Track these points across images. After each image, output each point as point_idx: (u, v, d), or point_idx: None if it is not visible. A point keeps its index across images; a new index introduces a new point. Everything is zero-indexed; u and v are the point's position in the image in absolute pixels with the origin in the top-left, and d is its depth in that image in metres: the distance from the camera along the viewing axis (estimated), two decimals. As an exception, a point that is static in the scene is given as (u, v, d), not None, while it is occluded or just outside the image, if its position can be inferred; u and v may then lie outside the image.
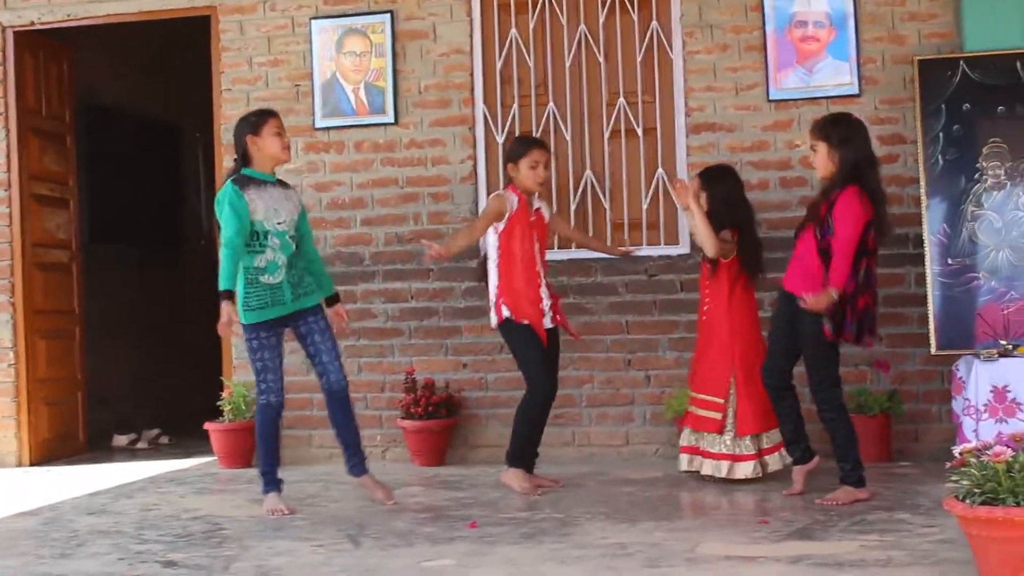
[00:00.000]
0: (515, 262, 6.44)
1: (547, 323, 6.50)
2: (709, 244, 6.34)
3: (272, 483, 6.12)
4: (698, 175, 6.62)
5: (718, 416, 6.42)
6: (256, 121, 6.06)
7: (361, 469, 6.20)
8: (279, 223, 5.97)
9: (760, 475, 6.39)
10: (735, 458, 6.39)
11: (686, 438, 6.61)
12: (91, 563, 5.05)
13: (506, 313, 6.43)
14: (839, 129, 5.86)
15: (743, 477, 6.38)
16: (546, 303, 6.50)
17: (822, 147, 5.83)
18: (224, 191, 5.93)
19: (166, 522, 5.93)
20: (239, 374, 7.83)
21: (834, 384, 5.88)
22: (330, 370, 6.07)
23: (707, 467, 6.48)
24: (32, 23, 8.35)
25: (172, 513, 6.18)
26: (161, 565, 4.96)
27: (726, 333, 6.43)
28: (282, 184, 6.15)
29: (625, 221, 7.62)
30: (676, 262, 7.37)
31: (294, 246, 6.02)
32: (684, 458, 6.61)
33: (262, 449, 6.14)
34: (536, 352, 6.41)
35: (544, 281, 6.53)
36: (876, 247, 5.87)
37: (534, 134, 7.62)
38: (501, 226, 6.46)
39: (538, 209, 6.60)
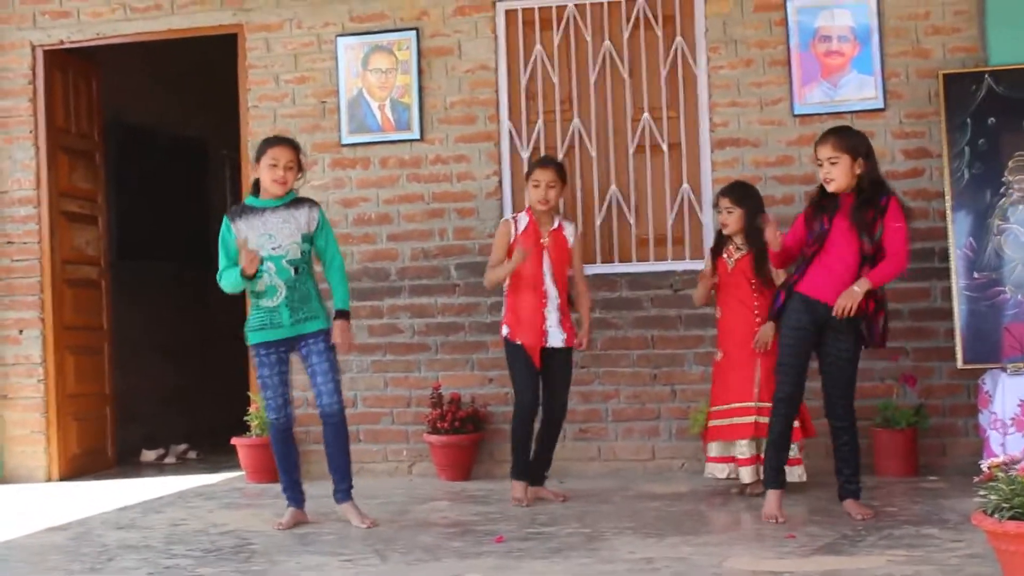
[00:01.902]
0: (521, 284, 6.54)
1: (556, 343, 6.53)
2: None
3: (289, 499, 6.22)
4: (727, 195, 6.58)
5: (751, 420, 6.40)
6: (259, 150, 6.16)
7: (342, 497, 6.17)
8: (274, 248, 6.00)
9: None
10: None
11: (716, 449, 6.57)
12: (121, 578, 5.09)
13: (504, 332, 6.57)
14: (861, 142, 5.76)
15: (796, 482, 6.36)
16: (553, 326, 6.52)
17: (846, 160, 5.67)
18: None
19: (195, 537, 5.96)
20: (266, 389, 7.88)
21: (854, 391, 5.85)
22: (322, 392, 6.06)
23: (745, 475, 6.46)
24: (61, 42, 8.42)
25: (201, 528, 6.21)
26: (190, 580, 5.00)
27: (751, 337, 6.42)
28: (296, 204, 6.09)
29: (650, 236, 7.64)
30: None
31: (292, 271, 6.02)
32: (718, 467, 6.57)
33: (277, 466, 6.29)
34: (523, 371, 6.50)
35: (556, 303, 6.54)
36: None
37: (559, 150, 7.67)
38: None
39: (556, 231, 6.61)
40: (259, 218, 6.03)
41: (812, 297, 5.72)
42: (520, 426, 6.54)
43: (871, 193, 5.69)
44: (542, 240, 6.55)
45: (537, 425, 6.63)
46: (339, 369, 6.14)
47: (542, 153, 7.66)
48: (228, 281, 6.04)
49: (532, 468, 6.66)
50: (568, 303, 6.64)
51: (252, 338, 6.10)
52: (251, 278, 5.96)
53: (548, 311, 6.52)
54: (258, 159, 6.11)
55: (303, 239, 6.05)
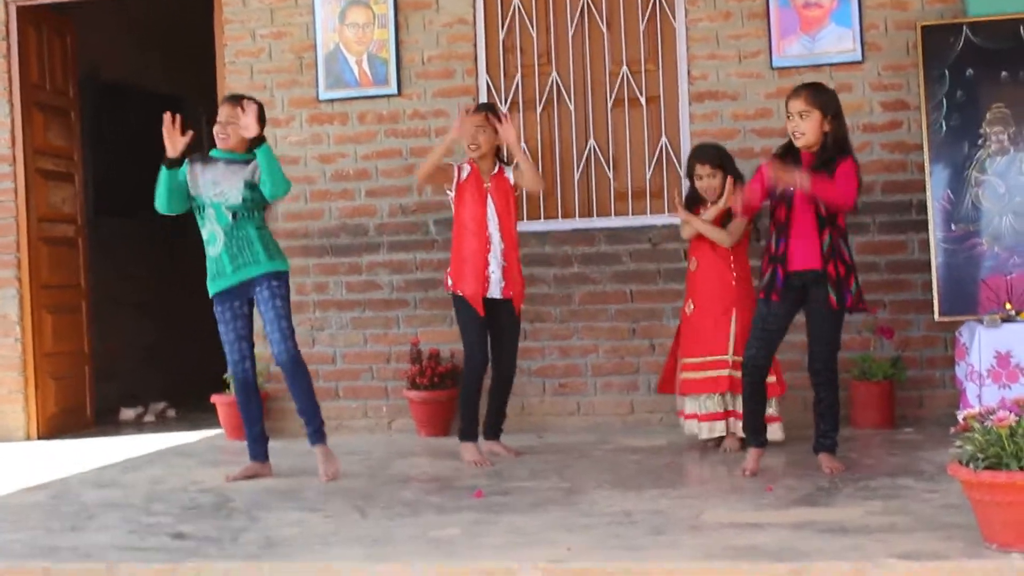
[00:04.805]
0: (464, 231, 6.52)
1: (495, 293, 6.48)
2: (725, 238, 6.39)
3: (250, 451, 6.35)
4: (705, 161, 6.54)
5: (726, 374, 6.41)
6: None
7: (314, 439, 6.23)
8: (216, 194, 6.14)
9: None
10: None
11: (713, 403, 6.49)
12: (101, 536, 5.08)
13: (448, 283, 6.57)
14: (832, 100, 5.70)
15: (774, 440, 6.32)
16: (495, 273, 6.49)
17: (816, 115, 5.61)
18: None
19: (175, 494, 5.96)
20: (245, 346, 7.87)
21: (838, 350, 5.85)
22: (271, 340, 6.15)
23: (704, 430, 6.47)
24: (34, -3, 8.35)
25: (180, 485, 6.22)
26: (171, 537, 4.99)
27: (727, 290, 6.44)
28: (248, 162, 6.15)
29: (629, 190, 7.63)
30: (679, 231, 7.36)
31: (230, 216, 6.12)
32: (706, 426, 6.53)
33: None
34: (470, 324, 6.47)
35: (499, 249, 6.50)
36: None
37: (537, 104, 7.66)
38: (452, 194, 6.57)
39: (497, 175, 6.55)
40: (212, 166, 6.20)
41: (795, 270, 5.69)
42: (470, 384, 6.51)
43: (830, 154, 5.64)
44: (484, 185, 6.52)
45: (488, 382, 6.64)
46: (286, 314, 6.15)
47: (520, 107, 7.65)
48: (159, 184, 6.15)
49: (486, 423, 6.69)
50: (517, 254, 6.57)
51: (209, 288, 6.24)
52: (175, 164, 6.11)
53: (491, 256, 6.47)
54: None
55: (245, 185, 6.12)
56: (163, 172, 6.14)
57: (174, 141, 6.11)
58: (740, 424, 6.37)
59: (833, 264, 5.63)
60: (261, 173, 6.04)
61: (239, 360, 6.24)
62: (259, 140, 6.03)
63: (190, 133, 6.14)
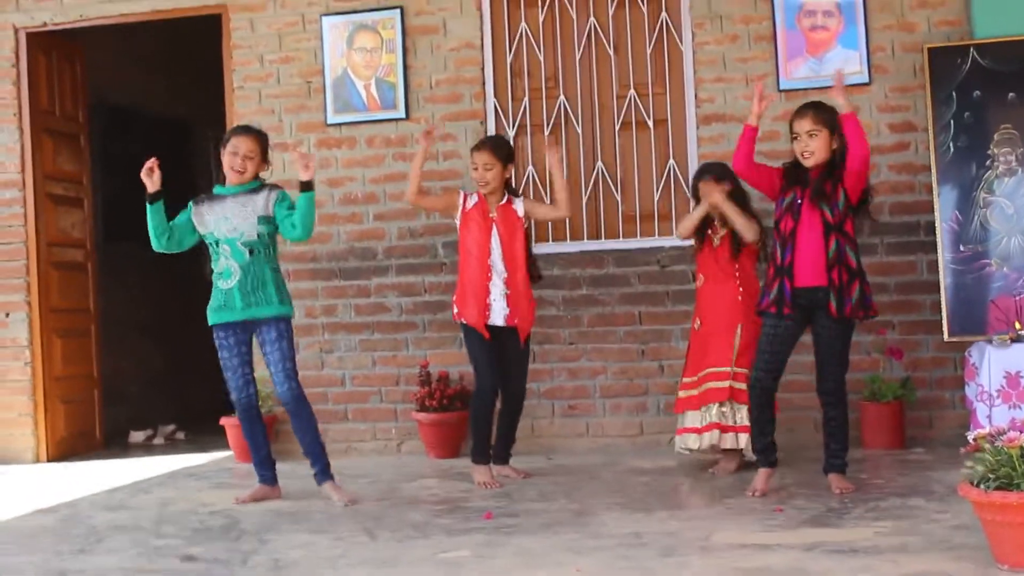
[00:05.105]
0: (469, 258, 6.53)
1: (498, 320, 6.47)
2: (751, 229, 6.38)
3: (258, 475, 6.37)
4: (712, 176, 6.56)
5: (726, 384, 6.39)
6: (224, 138, 6.31)
7: (321, 479, 6.22)
8: (229, 230, 6.12)
9: None
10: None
11: (712, 415, 6.45)
12: (110, 559, 5.08)
13: (454, 311, 6.60)
14: (837, 118, 5.79)
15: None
16: (497, 302, 6.47)
17: (825, 134, 5.65)
18: None
19: (184, 517, 5.97)
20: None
21: (846, 368, 5.83)
22: (275, 381, 6.17)
23: (707, 440, 6.43)
24: (45, 24, 8.38)
25: (190, 508, 6.22)
26: (180, 560, 4.99)
27: (734, 306, 6.43)
28: (258, 189, 6.16)
29: (637, 213, 7.64)
30: (688, 253, 7.34)
31: (247, 253, 6.11)
32: (691, 437, 6.50)
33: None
34: (478, 350, 6.48)
35: (502, 278, 6.48)
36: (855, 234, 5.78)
37: (545, 127, 7.68)
38: (457, 222, 6.58)
39: (505, 205, 6.54)
40: (220, 203, 6.18)
41: (802, 287, 5.69)
42: (480, 409, 6.50)
43: (838, 169, 5.66)
44: (491, 215, 6.53)
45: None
46: (291, 355, 6.17)
47: (528, 130, 7.68)
48: (149, 223, 6.20)
49: (495, 449, 6.67)
50: (523, 284, 6.52)
51: (210, 318, 6.22)
52: (155, 198, 6.17)
53: (492, 285, 6.46)
54: (223, 146, 6.23)
55: (259, 220, 6.12)
56: (148, 210, 6.18)
57: (151, 178, 6.14)
58: (740, 438, 6.37)
59: (837, 271, 5.63)
60: (296, 216, 6.03)
61: (243, 385, 6.24)
62: (308, 184, 6.01)
63: (156, 171, 6.17)
